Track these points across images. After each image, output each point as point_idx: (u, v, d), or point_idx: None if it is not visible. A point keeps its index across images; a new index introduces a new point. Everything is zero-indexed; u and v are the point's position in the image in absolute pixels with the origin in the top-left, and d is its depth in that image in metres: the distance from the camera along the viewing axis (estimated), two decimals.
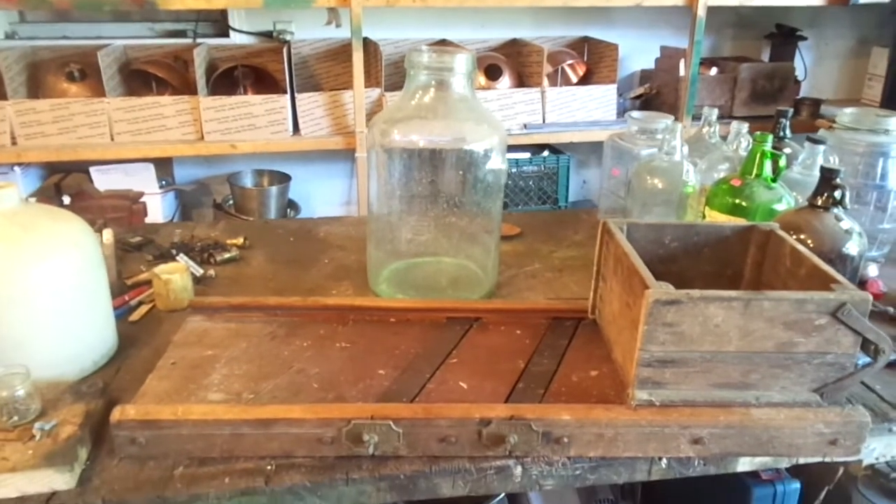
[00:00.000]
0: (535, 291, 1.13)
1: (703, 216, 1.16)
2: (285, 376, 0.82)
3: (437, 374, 0.84)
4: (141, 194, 1.21)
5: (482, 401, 0.78)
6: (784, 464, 0.81)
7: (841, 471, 1.17)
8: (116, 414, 0.71)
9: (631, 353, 0.77)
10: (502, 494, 1.20)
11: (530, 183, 2.28)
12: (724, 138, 1.36)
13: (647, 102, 2.41)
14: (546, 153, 2.33)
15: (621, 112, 2.29)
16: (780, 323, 0.72)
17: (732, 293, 0.71)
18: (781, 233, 0.88)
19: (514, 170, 2.28)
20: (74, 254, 0.82)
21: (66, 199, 1.27)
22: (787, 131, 1.31)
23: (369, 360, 0.86)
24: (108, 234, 1.03)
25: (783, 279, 0.86)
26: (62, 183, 1.79)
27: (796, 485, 1.03)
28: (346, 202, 2.44)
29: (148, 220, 1.79)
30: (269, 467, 0.72)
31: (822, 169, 0.97)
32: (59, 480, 0.67)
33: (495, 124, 1.05)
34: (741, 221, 1.08)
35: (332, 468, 0.72)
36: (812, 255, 0.81)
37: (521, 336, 0.92)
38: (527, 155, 2.35)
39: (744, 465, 0.80)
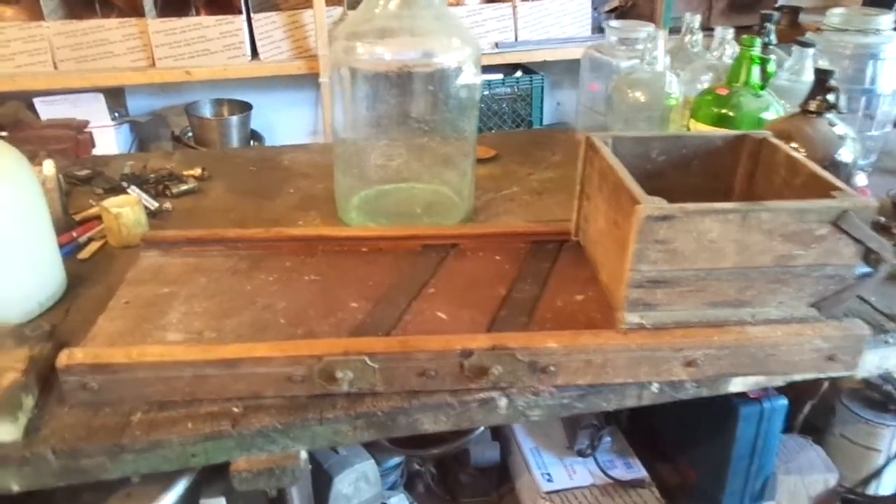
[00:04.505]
0: (514, 215, 1.07)
1: (688, 129, 1.10)
2: (250, 312, 0.76)
3: (413, 305, 0.78)
4: (86, 123, 1.12)
5: (462, 331, 0.73)
6: (778, 382, 0.78)
7: (826, 384, 1.17)
8: (63, 358, 0.64)
9: (619, 275, 0.72)
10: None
11: (503, 105, 2.18)
12: (706, 49, 1.29)
13: (622, 16, 2.31)
14: (519, 73, 2.23)
15: (596, 27, 2.19)
16: (778, 235, 0.67)
17: (728, 205, 0.66)
18: (775, 140, 0.83)
19: (486, 92, 2.18)
20: (3, 186, 0.73)
21: (3, 133, 1.17)
22: (773, 37, 1.24)
23: (340, 292, 0.80)
24: (48, 165, 0.94)
25: (777, 189, 0.81)
26: None
27: (783, 401, 1.01)
28: (312, 132, 2.33)
29: (101, 153, 1.68)
30: (235, 409, 0.67)
31: (816, 71, 0.91)
32: (2, 431, 0.61)
33: (467, 35, 0.96)
34: (717, 130, 1.02)
35: (305, 408, 0.67)
36: (809, 162, 0.76)
37: (500, 262, 0.87)
38: (499, 76, 2.24)
39: (736, 385, 0.77)
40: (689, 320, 0.71)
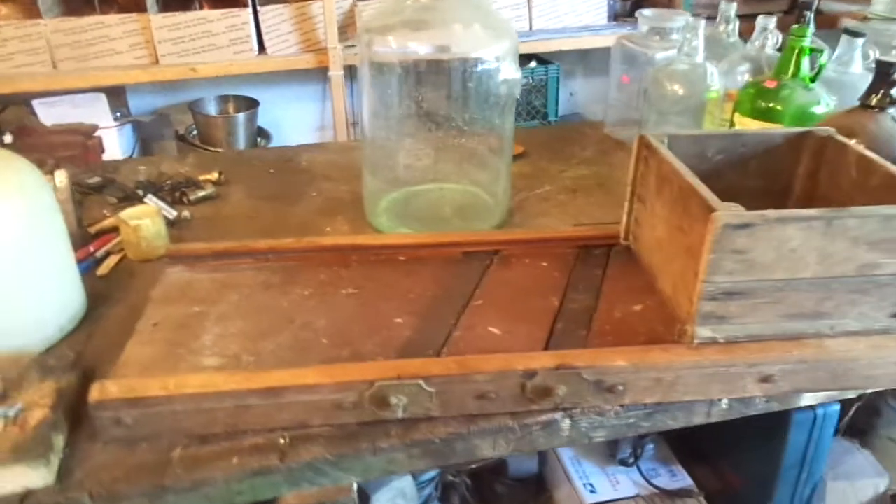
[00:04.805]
0: (552, 217, 1.02)
1: (731, 124, 1.05)
2: (288, 332, 0.71)
3: (462, 320, 0.73)
4: (95, 128, 1.05)
5: (519, 348, 0.69)
6: (851, 395, 0.73)
7: None
8: (95, 392, 0.59)
9: (686, 285, 0.67)
10: None
11: (518, 97, 2.12)
12: (741, 38, 1.24)
13: (639, 3, 2.24)
14: (533, 64, 2.17)
15: (611, 16, 2.13)
16: (864, 243, 0.62)
17: (812, 211, 0.61)
18: (842, 138, 0.78)
19: None
20: (19, 201, 0.68)
21: (8, 138, 1.10)
22: (812, 26, 1.19)
23: (382, 306, 0.75)
24: (60, 176, 0.89)
25: (846, 191, 0.76)
26: None
27: (836, 406, 0.96)
28: (320, 127, 2.26)
29: (105, 156, 1.62)
30: (281, 441, 0.62)
31: (878, 63, 0.86)
32: (34, 476, 0.56)
33: (505, 26, 0.91)
34: (777, 127, 0.97)
35: (356, 437, 0.63)
36: (886, 162, 0.71)
37: (548, 269, 0.82)
38: None
39: (808, 399, 0.73)
40: (764, 334, 0.66)
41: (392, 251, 0.84)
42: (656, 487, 1.04)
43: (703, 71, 1.09)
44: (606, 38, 2.04)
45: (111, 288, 0.84)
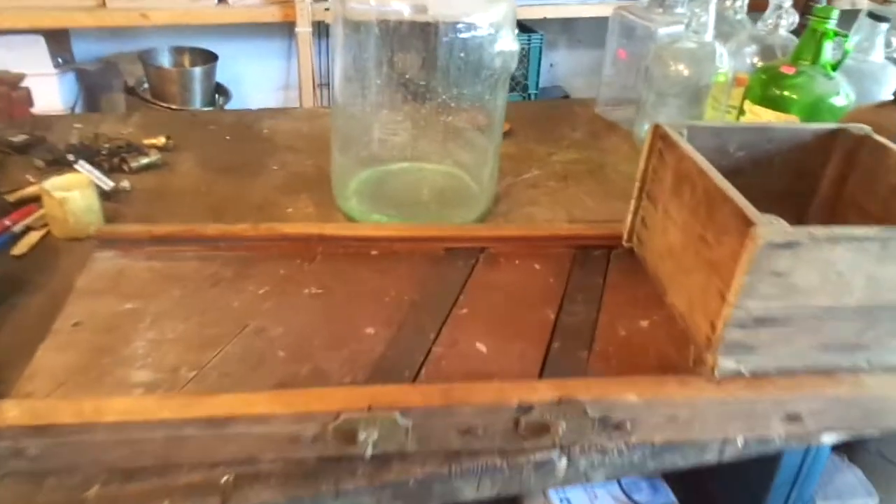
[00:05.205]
0: (541, 206, 0.91)
1: (740, 111, 0.96)
2: (238, 340, 0.60)
3: (444, 332, 0.63)
4: (22, 77, 0.91)
5: (510, 370, 0.59)
6: (874, 434, 0.66)
7: None
8: None
9: (707, 305, 0.57)
10: None
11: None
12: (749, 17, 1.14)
13: None
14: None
15: None
16: None
17: (868, 231, 0.52)
18: (881, 139, 0.69)
19: None
20: None
21: None
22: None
23: (351, 312, 0.64)
24: None
25: (884, 199, 0.67)
26: None
27: None
28: (283, 86, 2.10)
29: (40, 109, 1.44)
30: (224, 479, 0.51)
31: None
32: None
33: None
34: (792, 118, 0.89)
35: (315, 476, 0.52)
36: None
37: (542, 272, 0.72)
38: None
39: (829, 439, 0.64)
40: (795, 367, 0.57)
41: (364, 244, 0.73)
42: (637, 503, 0.97)
43: (711, 51, 0.99)
44: (593, 8, 1.93)
45: (29, 271, 0.71)
